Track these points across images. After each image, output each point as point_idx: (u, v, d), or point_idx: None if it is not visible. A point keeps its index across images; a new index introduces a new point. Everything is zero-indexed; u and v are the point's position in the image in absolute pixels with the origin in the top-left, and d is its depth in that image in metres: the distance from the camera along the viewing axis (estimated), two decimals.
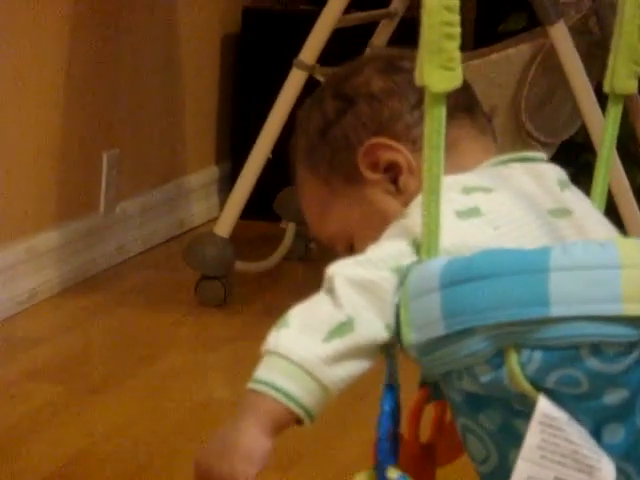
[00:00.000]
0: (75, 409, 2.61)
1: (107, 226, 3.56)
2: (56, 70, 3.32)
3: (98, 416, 2.58)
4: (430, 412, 1.34)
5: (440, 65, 1.18)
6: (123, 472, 2.38)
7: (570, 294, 1.15)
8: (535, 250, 1.19)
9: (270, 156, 3.19)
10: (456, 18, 1.17)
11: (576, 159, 3.41)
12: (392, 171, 1.37)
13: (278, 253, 3.41)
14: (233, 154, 4.10)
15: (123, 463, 2.40)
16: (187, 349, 3.04)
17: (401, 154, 1.36)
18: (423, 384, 1.28)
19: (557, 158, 1.62)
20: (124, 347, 3.01)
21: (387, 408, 1.25)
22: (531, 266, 1.17)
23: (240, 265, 3.29)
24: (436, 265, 1.20)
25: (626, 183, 3.12)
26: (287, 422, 1.23)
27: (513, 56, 3.12)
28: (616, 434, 1.16)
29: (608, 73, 1.40)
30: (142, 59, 3.77)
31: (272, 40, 3.90)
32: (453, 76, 1.19)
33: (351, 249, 1.40)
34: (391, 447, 1.26)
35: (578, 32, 3.04)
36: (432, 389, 1.28)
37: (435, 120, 1.19)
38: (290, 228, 3.46)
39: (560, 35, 2.95)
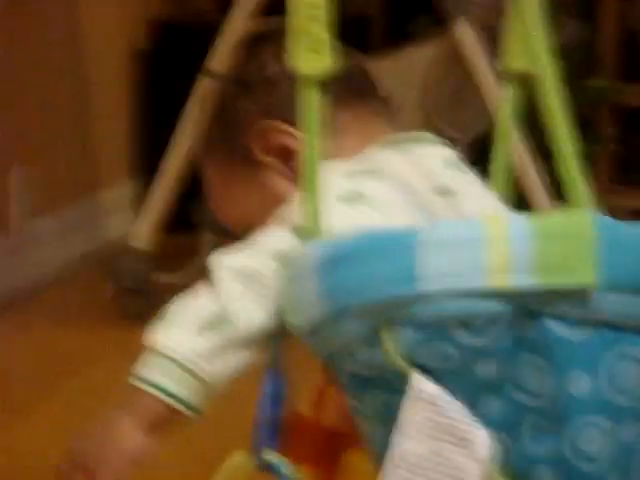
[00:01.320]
0: None
1: (19, 246, 3.55)
2: None
3: (18, 435, 2.55)
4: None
5: (307, 48, 1.19)
6: None
7: (436, 269, 1.15)
8: (403, 229, 1.19)
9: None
10: (321, 0, 1.17)
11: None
12: (285, 154, 1.37)
13: (195, 263, 3.34)
14: (147, 167, 3.97)
15: None
16: (109, 363, 2.84)
17: (293, 138, 1.36)
18: (326, 365, 1.30)
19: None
20: (45, 365, 2.96)
21: (268, 391, 1.25)
22: (399, 244, 1.16)
23: (164, 277, 3.28)
24: (312, 249, 1.20)
25: (528, 160, 3.16)
26: (170, 418, 1.23)
27: (419, 56, 3.20)
28: (491, 405, 1.17)
29: (503, 52, 1.42)
30: (49, 73, 3.74)
31: (179, 53, 3.90)
32: (321, 59, 1.19)
33: (249, 229, 1.40)
34: (271, 431, 1.26)
35: (481, 29, 3.08)
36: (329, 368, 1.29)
37: (309, 103, 1.20)
38: (206, 238, 3.47)
39: (465, 32, 3.01)
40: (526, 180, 3.14)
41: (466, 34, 3.02)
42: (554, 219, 1.18)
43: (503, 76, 1.43)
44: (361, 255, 1.18)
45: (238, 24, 3.10)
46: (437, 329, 1.16)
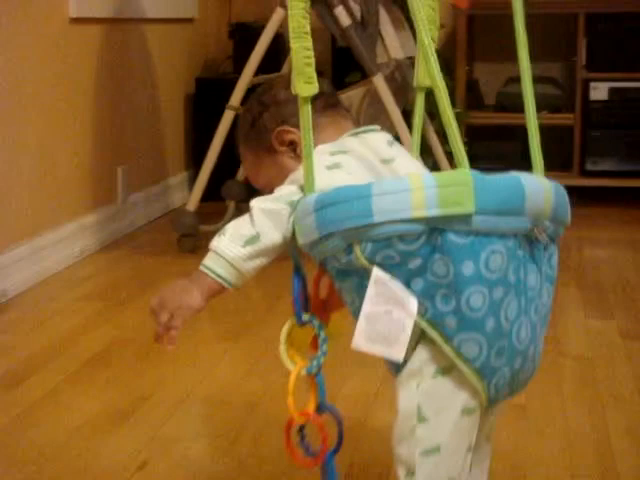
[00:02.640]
0: (108, 315, 3.01)
1: (124, 210, 4.05)
2: (88, 108, 3.74)
3: (125, 318, 2.98)
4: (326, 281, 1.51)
5: (304, 81, 1.34)
6: (143, 352, 2.64)
7: (383, 208, 1.32)
8: (364, 184, 1.35)
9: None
10: (311, 53, 1.34)
11: None
12: (292, 145, 1.56)
13: (224, 219, 3.80)
14: (195, 163, 4.41)
15: (141, 346, 2.69)
16: (177, 276, 2.87)
17: (296, 135, 1.53)
18: (320, 265, 1.44)
19: None
20: (137, 277, 3.47)
21: (296, 281, 1.45)
22: (362, 194, 1.33)
23: (203, 227, 3.69)
24: (311, 198, 1.36)
25: (437, 143, 3.75)
26: (219, 291, 1.42)
27: (353, 95, 3.60)
28: (418, 284, 1.35)
29: (415, 73, 1.58)
30: (137, 104, 4.20)
31: (215, 95, 4.08)
32: (312, 87, 1.35)
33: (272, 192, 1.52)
34: (302, 303, 1.46)
35: (388, 80, 3.55)
36: (323, 268, 1.45)
37: (304, 113, 1.35)
38: (231, 205, 3.93)
39: (379, 82, 3.47)
40: (435, 152, 3.76)
41: (380, 82, 3.47)
42: (449, 174, 1.34)
43: (417, 89, 1.59)
44: (339, 201, 1.34)
45: (245, 80, 3.56)
46: (385, 242, 1.33)
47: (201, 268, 1.42)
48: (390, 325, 1.34)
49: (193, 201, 3.72)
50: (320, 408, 1.47)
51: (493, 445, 1.55)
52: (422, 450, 1.40)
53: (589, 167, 4.57)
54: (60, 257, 3.52)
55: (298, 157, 1.55)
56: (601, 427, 2.20)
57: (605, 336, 2.82)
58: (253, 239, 1.41)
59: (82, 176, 3.76)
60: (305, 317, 1.46)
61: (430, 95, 1.54)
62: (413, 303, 1.35)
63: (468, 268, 1.33)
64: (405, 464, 1.42)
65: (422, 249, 1.34)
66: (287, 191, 1.44)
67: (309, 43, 1.34)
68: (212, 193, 3.80)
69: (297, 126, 1.48)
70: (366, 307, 1.35)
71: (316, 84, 1.35)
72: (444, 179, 1.32)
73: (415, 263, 1.34)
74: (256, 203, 1.43)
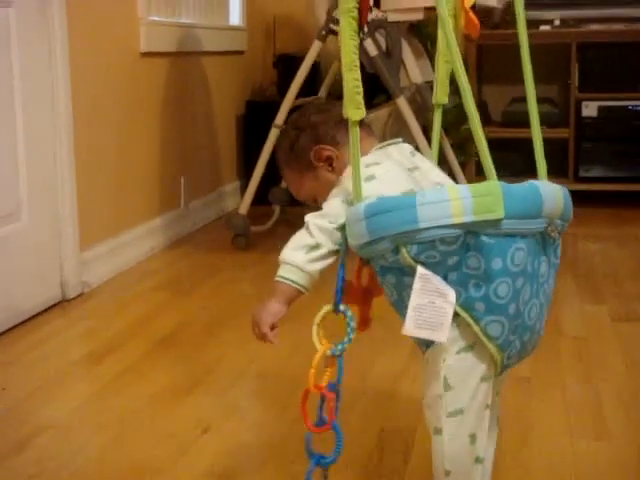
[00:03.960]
0: (175, 303, 3.01)
1: (186, 214, 4.05)
2: (156, 128, 3.74)
3: (189, 305, 3.00)
4: (366, 273, 1.52)
5: (354, 107, 1.33)
6: (205, 334, 2.68)
7: (427, 215, 1.32)
8: (408, 195, 1.36)
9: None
10: (360, 83, 1.33)
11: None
12: (328, 160, 1.55)
13: (271, 221, 3.91)
14: (246, 173, 4.41)
15: (203, 329, 2.73)
16: (231, 271, 3.42)
17: (331, 151, 1.54)
18: (361, 260, 1.47)
19: None
20: (200, 270, 3.45)
21: (340, 273, 1.44)
22: (408, 204, 1.33)
23: (253, 228, 3.76)
24: (360, 207, 1.36)
25: (452, 155, 3.71)
26: (295, 295, 1.45)
27: (380, 114, 3.61)
28: (453, 275, 1.36)
29: (434, 92, 1.61)
30: (198, 124, 4.20)
31: (261, 115, 4.06)
32: (361, 112, 1.33)
33: (315, 201, 1.57)
34: (342, 294, 1.44)
35: (410, 101, 3.55)
36: (366, 262, 1.46)
37: (354, 133, 1.34)
38: (276, 208, 3.98)
39: (402, 103, 3.48)
40: (450, 162, 3.71)
41: (402, 103, 3.47)
42: (481, 186, 1.33)
43: (435, 106, 1.61)
44: (388, 210, 1.34)
45: (287, 102, 3.56)
46: (429, 244, 1.34)
47: (275, 279, 1.44)
48: (434, 313, 1.35)
49: (244, 205, 3.72)
50: (332, 386, 1.45)
51: (501, 411, 1.56)
52: (448, 413, 1.42)
53: (582, 174, 4.57)
54: (133, 254, 3.54)
55: (334, 170, 1.55)
56: (595, 396, 2.20)
57: (597, 319, 2.81)
58: (314, 247, 1.42)
59: (151, 185, 3.78)
60: (342, 307, 1.45)
61: (445, 113, 1.59)
62: (452, 293, 1.36)
63: (497, 263, 1.34)
64: (433, 424, 1.45)
65: (459, 249, 1.34)
66: (334, 206, 1.45)
67: (358, 75, 1.33)
68: (260, 198, 3.80)
69: (331, 144, 1.53)
70: (413, 299, 1.35)
71: (363, 109, 1.33)
72: (478, 190, 1.33)
73: (452, 260, 1.35)
74: (311, 219, 1.44)
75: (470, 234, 1.33)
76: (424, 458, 1.76)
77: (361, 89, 1.33)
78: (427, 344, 1.44)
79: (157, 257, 3.67)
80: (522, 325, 1.41)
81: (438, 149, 1.63)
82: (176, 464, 1.87)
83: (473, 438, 1.44)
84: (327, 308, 1.44)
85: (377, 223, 1.34)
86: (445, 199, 1.32)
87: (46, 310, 2.92)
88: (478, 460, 1.46)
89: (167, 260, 3.64)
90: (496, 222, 1.32)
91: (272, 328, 1.46)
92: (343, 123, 1.44)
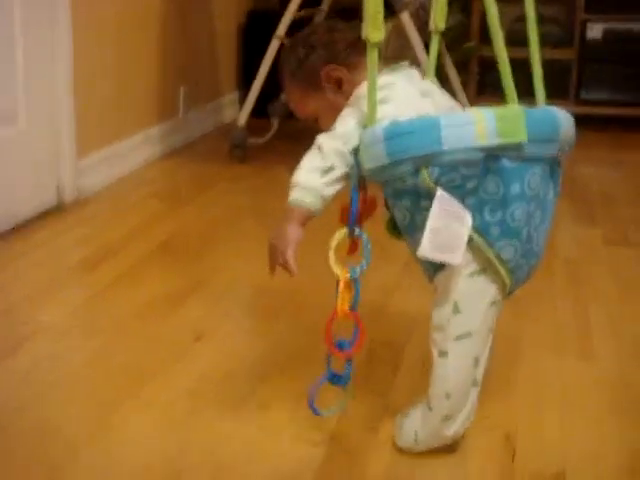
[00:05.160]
0: (171, 212, 3.02)
1: (184, 123, 4.04)
2: (156, 37, 3.69)
3: (185, 214, 3.00)
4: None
5: (375, 28, 1.30)
6: (200, 243, 2.67)
7: (451, 138, 1.31)
8: (432, 117, 1.34)
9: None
10: (381, 3, 1.29)
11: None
12: (338, 82, 1.53)
13: (269, 134, 3.83)
14: (245, 84, 4.33)
15: (198, 238, 2.73)
16: (227, 182, 3.40)
17: (343, 72, 1.52)
18: (359, 184, 1.43)
19: None
20: (196, 180, 3.44)
21: (355, 195, 1.43)
22: (433, 125, 1.31)
23: (251, 140, 3.74)
24: (378, 129, 1.34)
25: (454, 73, 3.72)
26: (309, 217, 1.41)
27: (385, 28, 3.54)
28: (470, 200, 1.35)
29: (431, 19, 1.59)
30: (198, 34, 4.15)
31: (263, 26, 3.97)
32: (380, 34, 1.30)
33: (316, 121, 1.56)
34: (353, 216, 1.43)
35: (413, 17, 3.53)
36: (380, 185, 1.43)
37: (372, 54, 1.31)
38: (275, 122, 3.87)
39: (405, 18, 3.48)
40: (453, 82, 3.71)
41: (406, 18, 3.47)
42: (505, 110, 1.33)
43: (433, 32, 1.60)
44: (411, 132, 1.32)
45: (289, 14, 3.54)
46: (451, 167, 1.33)
47: (289, 202, 1.41)
48: (450, 236, 1.34)
49: (243, 117, 3.70)
50: (353, 307, 1.45)
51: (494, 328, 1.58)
52: (456, 336, 1.44)
53: (583, 96, 4.55)
54: (130, 162, 3.52)
55: (342, 92, 1.52)
56: (584, 316, 2.22)
57: (590, 242, 2.83)
58: (328, 170, 1.39)
59: (150, 94, 3.73)
60: (357, 231, 1.45)
61: (447, 31, 1.57)
62: (469, 217, 1.36)
63: (515, 188, 1.36)
64: (438, 347, 1.46)
65: (479, 172, 1.34)
66: (348, 126, 1.41)
67: None
68: (259, 111, 3.76)
69: (343, 65, 1.50)
70: (431, 222, 1.34)
71: (383, 31, 1.31)
72: (501, 113, 1.32)
73: (471, 184, 1.35)
74: (325, 141, 1.41)
75: (491, 158, 1.34)
76: (412, 372, 1.82)
77: (382, 9, 1.31)
78: (436, 269, 1.44)
79: (154, 166, 3.65)
80: (531, 250, 1.43)
81: (434, 73, 1.61)
82: (171, 369, 1.89)
83: (477, 361, 1.46)
84: (342, 232, 1.44)
85: (398, 145, 1.32)
86: (470, 122, 1.32)
87: (42, 215, 2.92)
88: (475, 383, 1.48)
89: (164, 169, 3.63)
90: (518, 146, 1.33)
91: (288, 262, 1.43)
92: (357, 46, 1.43)
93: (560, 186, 1.48)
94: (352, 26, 1.49)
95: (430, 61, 1.60)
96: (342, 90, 1.52)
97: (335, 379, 1.49)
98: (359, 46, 1.41)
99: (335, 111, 1.48)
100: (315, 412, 1.48)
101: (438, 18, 1.57)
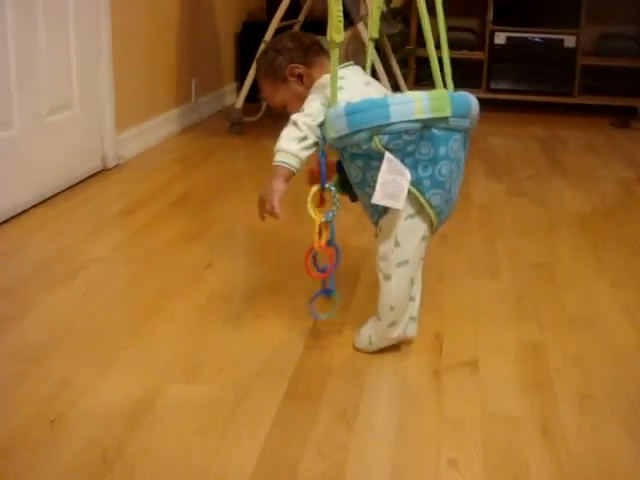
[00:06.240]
0: (186, 174, 2.86)
1: (195, 107, 3.91)
2: (174, 39, 3.55)
3: (196, 175, 2.84)
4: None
5: (337, 32, 1.27)
6: (209, 197, 2.62)
7: (397, 112, 1.27)
8: (382, 98, 1.31)
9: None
10: (342, 13, 1.27)
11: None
12: (300, 77, 1.49)
13: (260, 113, 3.78)
14: (241, 76, 4.18)
15: (207, 194, 2.60)
16: (228, 151, 3.27)
17: (302, 69, 1.48)
18: (323, 152, 1.39)
19: None
20: (205, 150, 3.27)
21: (322, 158, 1.39)
22: (382, 104, 1.28)
23: (246, 118, 3.65)
24: (340, 107, 1.31)
25: (397, 68, 3.55)
26: (290, 176, 1.37)
27: (344, 36, 3.43)
28: (409, 160, 1.31)
29: (369, 28, 1.53)
30: (206, 37, 3.99)
31: (254, 33, 3.93)
32: (341, 36, 1.28)
33: (284, 107, 1.52)
34: (324, 175, 1.39)
35: (367, 27, 3.20)
36: (337, 151, 1.38)
37: (334, 52, 1.28)
38: (264, 104, 3.76)
39: (361, 28, 3.38)
40: (396, 75, 3.54)
41: (361, 28, 3.37)
42: (436, 92, 1.31)
43: (369, 40, 1.54)
44: (365, 109, 1.28)
45: (274, 24, 3.41)
46: (396, 135, 1.29)
47: (275, 164, 1.37)
48: (395, 187, 1.31)
49: (240, 101, 3.58)
50: (329, 243, 1.43)
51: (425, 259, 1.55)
52: (397, 263, 1.40)
53: (492, 86, 4.45)
54: (155, 136, 3.40)
55: (303, 84, 1.49)
56: (492, 248, 2.19)
57: (497, 193, 2.78)
58: (303, 139, 1.36)
59: (170, 84, 3.61)
60: (326, 185, 1.40)
61: (392, 37, 1.50)
62: (408, 173, 1.33)
63: (442, 150, 1.33)
64: (384, 272, 1.43)
65: (416, 139, 1.31)
66: (315, 107, 1.37)
67: (341, 6, 1.28)
68: (252, 96, 3.61)
69: (303, 64, 1.47)
70: (381, 177, 1.31)
71: (343, 34, 1.29)
72: (433, 94, 1.30)
73: (410, 148, 1.32)
74: (299, 118, 1.37)
75: (425, 128, 1.30)
76: (367, 293, 1.78)
77: (342, 18, 1.28)
78: (380, 214, 1.40)
79: (173, 139, 3.53)
80: (450, 198, 1.39)
81: (371, 70, 1.56)
82: (187, 289, 1.85)
83: (411, 282, 1.43)
84: (315, 188, 1.39)
85: (357, 118, 1.29)
86: (410, 100, 1.30)
87: (90, 177, 2.84)
88: (411, 298, 1.46)
89: (180, 142, 3.49)
90: (445, 119, 1.30)
91: (273, 208, 1.38)
92: (311, 49, 1.44)
93: (467, 150, 1.42)
94: (309, 35, 1.48)
95: (368, 62, 1.55)
96: (303, 82, 1.49)
97: (327, 292, 1.49)
98: (314, 49, 1.44)
99: (299, 99, 1.45)
100: (315, 316, 1.48)
101: (372, 29, 1.51)
